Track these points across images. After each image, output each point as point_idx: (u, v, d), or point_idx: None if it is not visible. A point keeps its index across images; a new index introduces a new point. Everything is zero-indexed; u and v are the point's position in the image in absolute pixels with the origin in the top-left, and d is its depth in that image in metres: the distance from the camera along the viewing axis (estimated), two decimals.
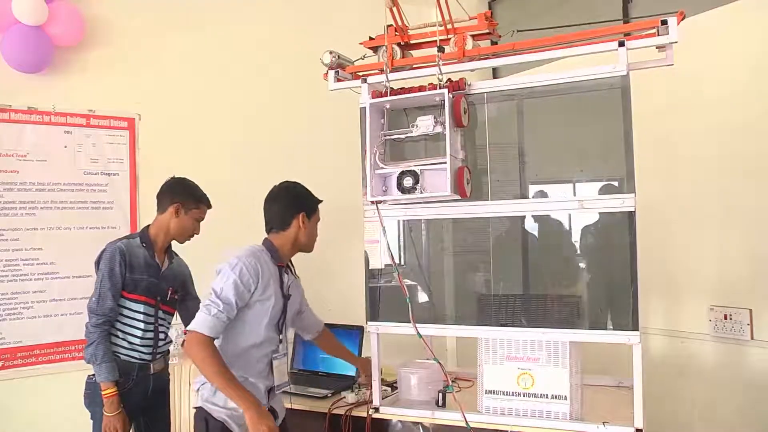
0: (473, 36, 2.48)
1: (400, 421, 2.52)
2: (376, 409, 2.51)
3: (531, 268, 2.58)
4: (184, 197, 2.61)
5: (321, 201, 2.49)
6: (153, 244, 2.62)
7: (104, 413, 2.45)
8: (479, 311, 2.55)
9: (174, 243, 2.72)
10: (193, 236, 2.68)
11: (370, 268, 2.58)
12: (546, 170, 2.56)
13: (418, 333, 2.41)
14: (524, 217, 2.52)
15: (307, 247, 2.45)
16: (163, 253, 2.67)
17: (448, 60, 2.47)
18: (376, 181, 2.42)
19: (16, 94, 3.17)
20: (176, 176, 2.68)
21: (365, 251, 2.58)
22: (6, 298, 3.12)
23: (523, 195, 2.52)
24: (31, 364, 3.17)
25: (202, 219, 2.67)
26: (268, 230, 2.39)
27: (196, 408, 2.27)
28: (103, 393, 2.45)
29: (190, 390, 3.13)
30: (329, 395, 2.71)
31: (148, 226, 2.67)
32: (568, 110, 2.47)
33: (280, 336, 2.35)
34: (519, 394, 2.35)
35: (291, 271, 2.43)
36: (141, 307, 2.56)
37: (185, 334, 2.16)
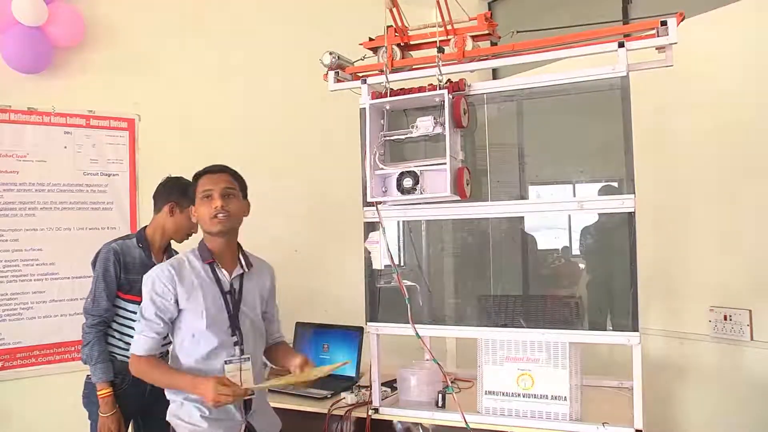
0: (473, 37, 2.48)
1: (400, 422, 2.53)
2: (376, 410, 2.51)
3: (531, 269, 2.58)
4: (179, 196, 2.61)
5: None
6: (150, 245, 2.63)
7: (99, 413, 2.47)
8: (479, 312, 2.55)
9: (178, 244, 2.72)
10: (191, 235, 2.68)
11: (370, 268, 2.58)
12: (546, 171, 2.56)
13: (417, 334, 2.41)
14: (524, 217, 2.52)
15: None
16: (162, 253, 2.67)
17: (448, 61, 2.47)
18: (376, 182, 2.43)
19: (16, 94, 3.17)
20: (171, 175, 2.69)
21: (365, 252, 2.58)
22: (6, 298, 3.12)
23: (523, 196, 2.52)
24: (31, 365, 3.17)
25: None
26: None
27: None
28: (98, 393, 2.47)
29: None
30: (329, 396, 2.71)
31: (146, 226, 2.67)
32: (567, 111, 2.47)
33: (234, 338, 2.11)
34: (519, 395, 2.35)
35: (241, 263, 2.20)
36: (137, 308, 2.55)
37: None
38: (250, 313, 2.19)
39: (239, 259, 2.21)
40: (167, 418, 2.13)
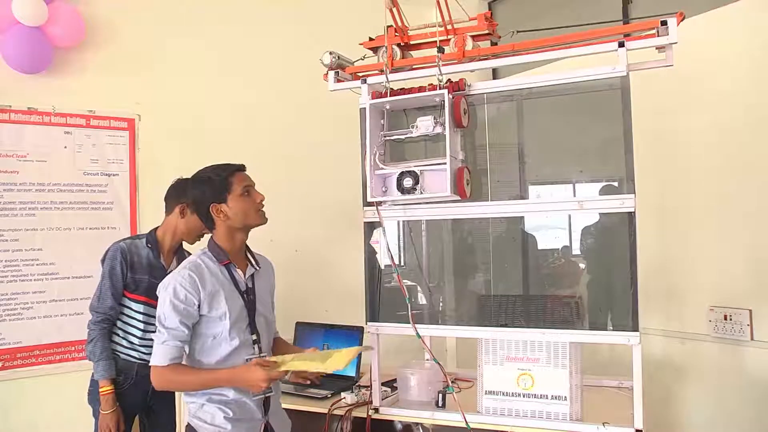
0: (473, 36, 2.48)
1: (400, 422, 2.52)
2: (376, 410, 2.51)
3: (531, 269, 2.58)
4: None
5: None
6: (159, 245, 2.64)
7: (100, 411, 2.48)
8: (479, 312, 2.55)
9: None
10: (202, 236, 2.68)
11: (371, 268, 2.57)
12: (546, 171, 2.55)
13: (417, 334, 2.41)
14: (524, 217, 2.52)
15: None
16: (172, 254, 2.68)
17: (448, 61, 2.47)
18: (376, 182, 2.43)
19: (16, 94, 3.17)
20: (182, 177, 2.69)
21: (365, 251, 2.57)
22: (6, 298, 3.12)
23: (523, 196, 2.52)
24: (31, 365, 3.17)
25: None
26: None
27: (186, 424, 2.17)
28: (99, 390, 2.49)
29: None
30: (329, 396, 2.71)
31: (158, 227, 2.68)
32: (568, 111, 2.47)
33: (254, 336, 2.14)
34: (519, 395, 2.35)
35: (251, 262, 2.22)
36: (141, 308, 2.57)
37: None
38: (264, 311, 2.21)
39: (248, 258, 2.22)
40: (188, 420, 2.13)
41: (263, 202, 2.16)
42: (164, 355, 2.01)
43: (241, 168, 2.18)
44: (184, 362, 2.09)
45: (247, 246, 2.24)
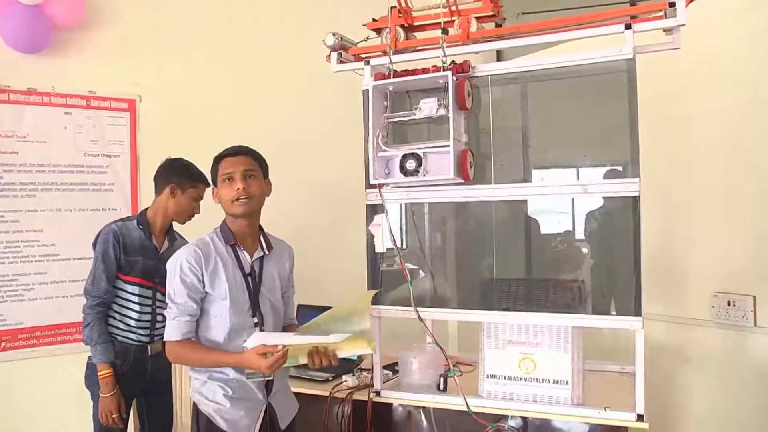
0: (478, 18, 2.45)
1: (401, 405, 2.53)
2: (377, 393, 2.51)
3: (534, 253, 2.57)
4: (180, 177, 2.61)
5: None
6: (151, 226, 2.63)
7: (100, 394, 2.48)
8: (482, 295, 2.54)
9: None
10: (193, 216, 2.67)
11: (373, 251, 2.56)
12: (550, 154, 2.54)
13: (419, 317, 2.40)
14: (527, 201, 2.50)
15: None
16: (163, 235, 2.67)
17: (452, 42, 2.44)
18: (379, 164, 2.41)
19: (16, 74, 3.15)
20: (171, 157, 2.68)
21: (367, 235, 2.56)
22: (7, 279, 3.12)
23: (527, 179, 2.50)
24: (32, 346, 3.17)
25: (201, 198, 2.66)
26: None
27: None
28: (98, 374, 2.48)
29: None
30: (330, 378, 2.71)
31: (147, 208, 2.67)
32: (573, 94, 2.45)
33: (255, 319, 2.14)
34: (521, 379, 2.35)
35: (261, 245, 2.21)
36: (136, 289, 2.57)
37: None
38: (270, 295, 2.21)
39: (260, 241, 2.22)
40: (190, 395, 2.15)
41: (242, 192, 2.09)
42: (176, 331, 2.05)
43: (231, 153, 2.16)
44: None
45: (261, 229, 2.24)
